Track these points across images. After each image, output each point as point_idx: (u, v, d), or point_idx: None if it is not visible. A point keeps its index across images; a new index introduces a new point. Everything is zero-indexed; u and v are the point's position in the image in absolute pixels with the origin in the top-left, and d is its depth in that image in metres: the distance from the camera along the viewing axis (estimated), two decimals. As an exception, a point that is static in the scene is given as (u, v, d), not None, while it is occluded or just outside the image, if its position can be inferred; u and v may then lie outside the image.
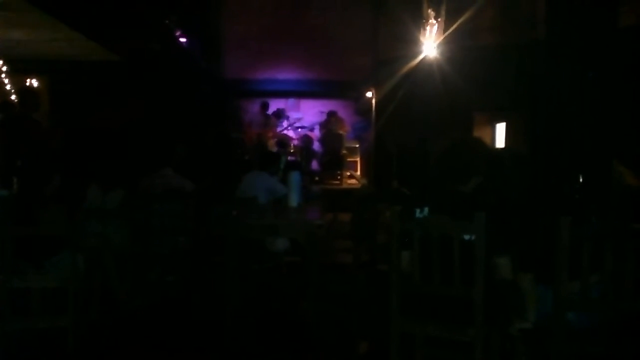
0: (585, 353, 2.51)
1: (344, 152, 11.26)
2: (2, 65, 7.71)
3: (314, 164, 11.36)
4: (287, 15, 11.83)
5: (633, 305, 2.43)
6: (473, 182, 2.76)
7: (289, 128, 11.61)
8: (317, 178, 10.78)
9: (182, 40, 9.82)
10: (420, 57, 8.73)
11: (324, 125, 11.40)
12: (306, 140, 11.34)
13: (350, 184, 11.05)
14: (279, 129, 11.33)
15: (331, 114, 11.33)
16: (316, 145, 11.41)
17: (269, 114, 11.12)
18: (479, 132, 8.63)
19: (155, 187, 5.21)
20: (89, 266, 3.78)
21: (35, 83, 8.29)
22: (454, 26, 7.98)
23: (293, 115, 11.91)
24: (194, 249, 4.92)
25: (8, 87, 7.64)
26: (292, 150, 10.89)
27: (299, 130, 11.67)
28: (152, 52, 8.84)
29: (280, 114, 11.36)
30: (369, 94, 11.15)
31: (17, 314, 3.20)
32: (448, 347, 2.83)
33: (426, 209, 2.75)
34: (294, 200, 4.74)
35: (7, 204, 4.63)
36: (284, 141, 10.55)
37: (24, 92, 6.53)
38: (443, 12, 8.14)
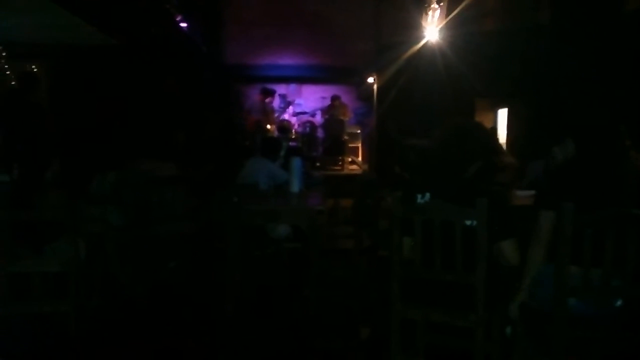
0: (586, 339, 2.50)
1: (346, 137, 11.23)
2: (2, 51, 7.67)
3: (316, 150, 11.32)
4: (289, 0, 11.75)
5: (635, 292, 2.42)
6: (474, 168, 2.74)
7: (293, 114, 11.55)
8: (318, 164, 10.75)
9: (183, 25, 9.75)
10: (422, 42, 8.68)
11: (326, 111, 11.34)
12: (310, 126, 11.30)
13: (351, 169, 11.02)
14: (278, 114, 11.22)
15: (335, 98, 11.28)
16: (318, 131, 11.38)
17: (266, 100, 11.00)
18: (481, 117, 8.58)
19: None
20: (91, 251, 3.77)
21: (34, 68, 8.24)
22: (457, 10, 7.91)
23: (293, 99, 11.84)
24: (196, 235, 4.91)
25: (8, 72, 7.59)
26: (293, 136, 10.84)
27: (301, 115, 11.62)
28: (152, 37, 8.79)
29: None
30: (370, 80, 11.09)
31: (19, 298, 3.20)
32: (449, 333, 2.83)
33: (427, 195, 2.74)
34: (295, 186, 4.72)
35: (8, 188, 4.63)
36: (285, 127, 10.50)
37: (23, 75, 6.49)
38: (445, -3, 8.07)
